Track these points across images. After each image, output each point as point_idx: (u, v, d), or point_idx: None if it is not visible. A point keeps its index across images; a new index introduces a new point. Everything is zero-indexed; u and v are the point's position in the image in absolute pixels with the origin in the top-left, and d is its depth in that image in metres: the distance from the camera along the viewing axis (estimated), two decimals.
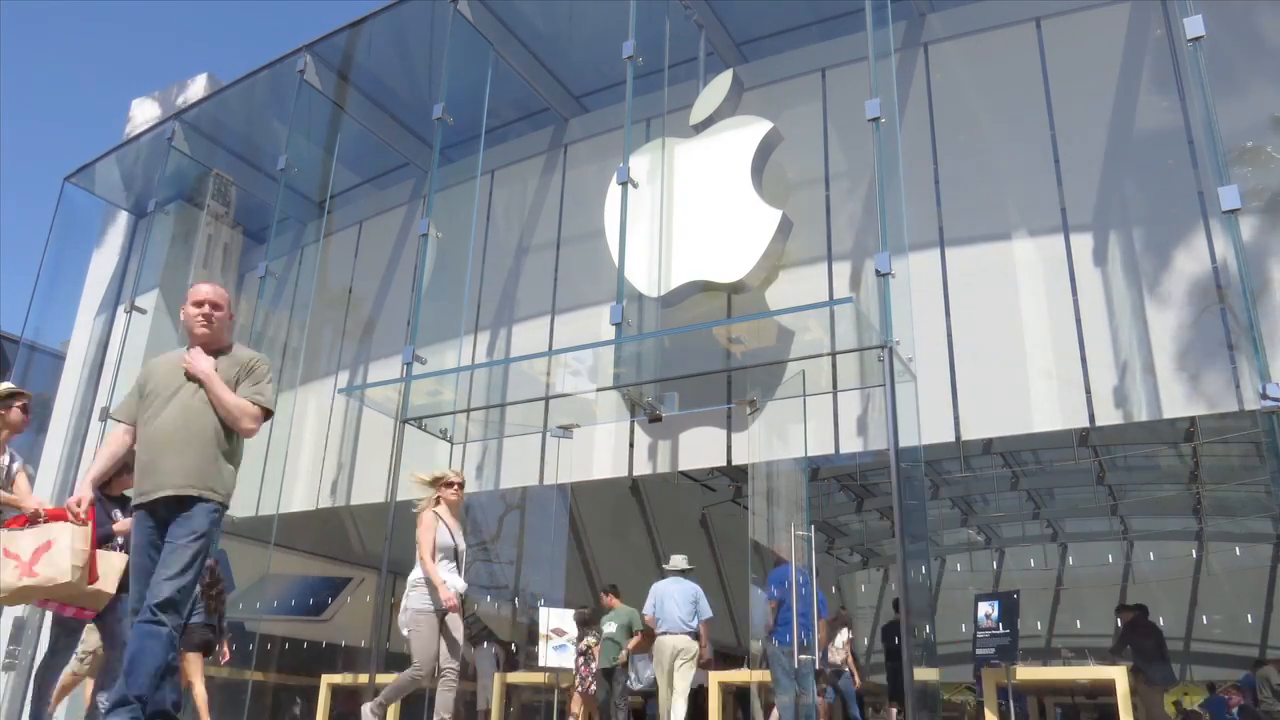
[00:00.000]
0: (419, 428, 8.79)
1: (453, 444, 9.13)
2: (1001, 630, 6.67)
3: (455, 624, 5.08)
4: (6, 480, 4.54)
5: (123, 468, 3.94)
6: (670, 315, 8.15)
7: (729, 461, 8.01)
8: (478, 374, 8.61)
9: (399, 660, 9.80)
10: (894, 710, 8.72)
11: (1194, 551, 15.54)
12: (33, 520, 3.91)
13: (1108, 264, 6.96)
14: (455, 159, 10.12)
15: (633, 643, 8.12)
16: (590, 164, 9.64)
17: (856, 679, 8.76)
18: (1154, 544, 15.85)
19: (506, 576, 13.97)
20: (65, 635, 4.82)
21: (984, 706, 6.49)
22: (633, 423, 8.36)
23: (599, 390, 8.12)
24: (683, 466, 8.36)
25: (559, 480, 8.90)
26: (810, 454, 7.51)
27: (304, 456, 10.82)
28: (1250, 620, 14.93)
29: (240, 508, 10.59)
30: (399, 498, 8.37)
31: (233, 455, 3.47)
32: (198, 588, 3.31)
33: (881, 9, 7.35)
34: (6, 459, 4.65)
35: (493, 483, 9.37)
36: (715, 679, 7.68)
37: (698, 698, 7.96)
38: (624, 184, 7.99)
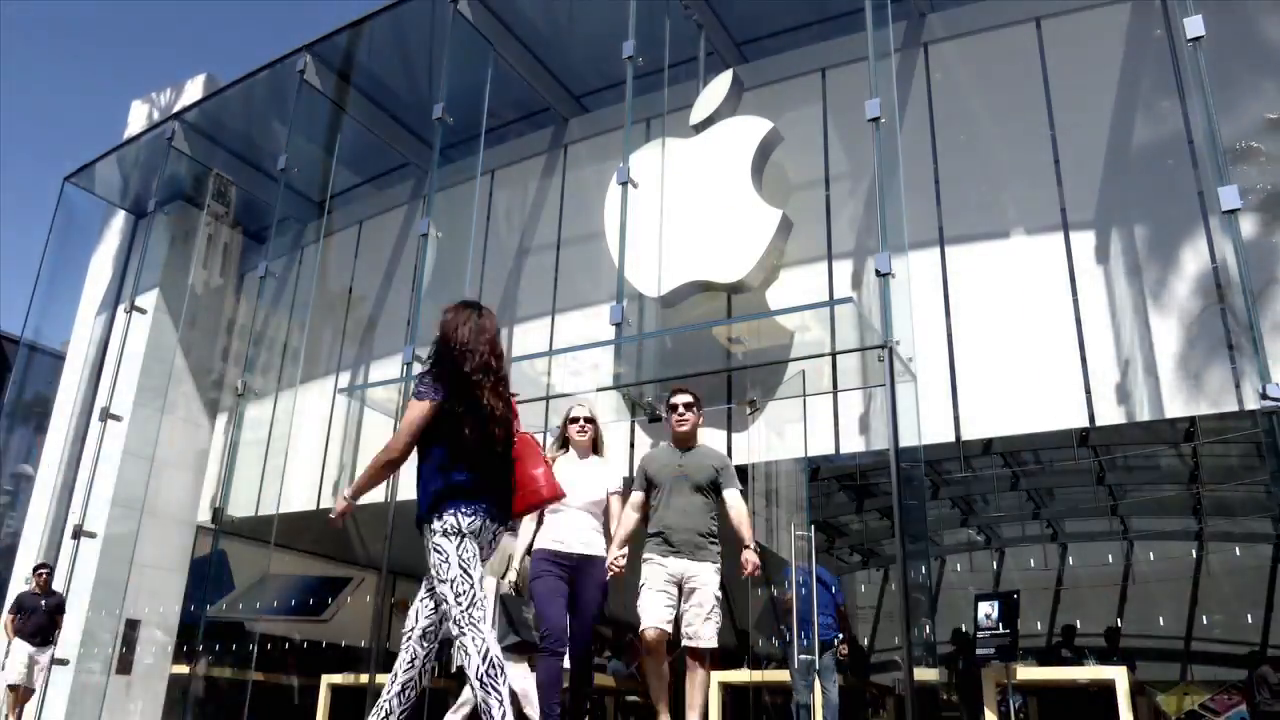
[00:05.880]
0: None
1: None
2: (1001, 630, 6.66)
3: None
4: None
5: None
6: (670, 315, 8.15)
7: None
8: None
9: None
10: None
11: (1194, 551, 15.53)
12: None
13: (1108, 264, 6.96)
14: (455, 159, 10.11)
15: None
16: (590, 164, 9.64)
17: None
18: (1154, 544, 15.83)
19: None
20: None
21: (985, 706, 6.49)
22: (633, 423, 8.35)
23: (599, 390, 8.11)
24: None
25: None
26: (810, 454, 7.51)
27: (304, 457, 10.81)
28: (1250, 620, 14.91)
29: (240, 508, 10.61)
30: (398, 498, 8.36)
31: None
32: None
33: (881, 9, 7.35)
34: None
35: None
36: (715, 679, 7.67)
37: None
38: (624, 184, 7.99)
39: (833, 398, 7.47)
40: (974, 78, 7.91)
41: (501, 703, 2.87)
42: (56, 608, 9.39)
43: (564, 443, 4.78)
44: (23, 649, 9.02)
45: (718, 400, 7.99)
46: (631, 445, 8.39)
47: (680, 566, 4.54)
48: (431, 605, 3.16)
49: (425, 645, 3.16)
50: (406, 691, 3.11)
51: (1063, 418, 6.89)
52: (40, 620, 9.16)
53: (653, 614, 4.47)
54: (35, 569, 9.62)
